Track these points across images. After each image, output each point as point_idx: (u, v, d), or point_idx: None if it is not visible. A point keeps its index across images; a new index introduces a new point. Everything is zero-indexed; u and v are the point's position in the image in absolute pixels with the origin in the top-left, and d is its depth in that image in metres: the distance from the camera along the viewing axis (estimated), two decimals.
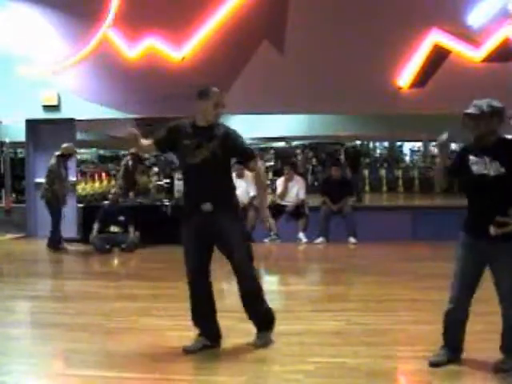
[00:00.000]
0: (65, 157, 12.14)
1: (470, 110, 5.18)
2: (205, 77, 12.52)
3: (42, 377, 5.19)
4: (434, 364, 5.19)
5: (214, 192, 5.67)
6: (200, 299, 5.73)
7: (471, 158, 5.18)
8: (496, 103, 5.20)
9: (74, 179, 13.83)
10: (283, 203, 12.98)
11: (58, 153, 12.11)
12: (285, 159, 23.12)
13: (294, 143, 25.23)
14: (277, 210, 12.80)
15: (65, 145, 12.19)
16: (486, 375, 4.98)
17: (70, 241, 12.63)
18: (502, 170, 5.04)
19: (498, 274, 5.07)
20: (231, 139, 5.71)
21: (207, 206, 5.62)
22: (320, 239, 12.53)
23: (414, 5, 12.30)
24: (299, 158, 24.66)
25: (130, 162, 15.46)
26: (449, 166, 5.36)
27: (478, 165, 5.14)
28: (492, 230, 4.95)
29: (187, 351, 5.59)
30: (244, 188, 12.02)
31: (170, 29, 12.77)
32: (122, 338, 6.10)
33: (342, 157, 21.81)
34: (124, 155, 15.97)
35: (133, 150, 15.79)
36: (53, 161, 12.09)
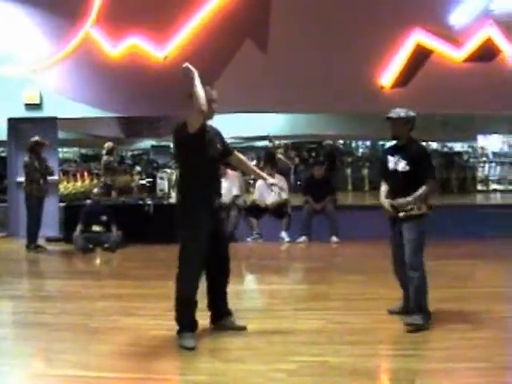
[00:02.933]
0: (36, 150, 12.01)
1: (390, 115, 6.39)
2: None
3: (24, 377, 5.17)
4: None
5: (219, 188, 6.12)
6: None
7: (388, 157, 6.50)
8: (412, 113, 6.40)
9: (57, 178, 13.75)
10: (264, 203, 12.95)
11: (28, 148, 12.04)
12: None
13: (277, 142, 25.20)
14: (258, 210, 12.81)
15: (33, 139, 12.09)
16: (467, 373, 5.03)
17: (52, 240, 12.58)
18: (407, 168, 6.26)
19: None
20: (222, 135, 6.16)
21: (217, 203, 5.97)
22: (302, 238, 12.55)
23: (396, 5, 12.36)
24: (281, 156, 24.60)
25: (111, 158, 15.44)
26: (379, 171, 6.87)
27: (391, 162, 6.42)
28: (401, 214, 6.32)
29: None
30: (226, 187, 11.99)
31: (152, 28, 12.75)
32: (105, 338, 6.09)
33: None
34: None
35: (108, 146, 15.79)
36: (26, 158, 12.04)
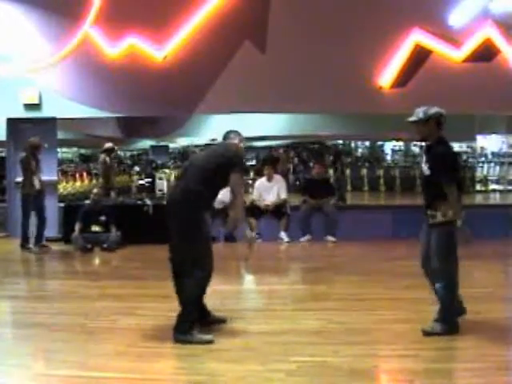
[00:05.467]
0: (33, 151, 12.03)
1: (411, 118, 6.14)
2: (186, 77, 12.57)
3: (23, 377, 5.16)
4: None
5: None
6: None
7: (423, 158, 6.24)
8: (432, 110, 6.05)
9: (55, 178, 13.74)
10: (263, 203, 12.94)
11: (25, 148, 12.07)
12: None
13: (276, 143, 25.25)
14: (257, 210, 12.79)
15: (31, 139, 12.12)
16: (465, 373, 5.03)
17: (51, 240, 12.57)
18: (428, 171, 6.06)
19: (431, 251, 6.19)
20: None
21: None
22: (306, 237, 12.56)
23: (395, 5, 12.34)
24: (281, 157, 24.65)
25: (107, 159, 15.46)
26: None
27: (422, 164, 6.21)
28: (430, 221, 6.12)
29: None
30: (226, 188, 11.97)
31: (151, 28, 12.72)
32: (103, 338, 6.09)
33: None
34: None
35: (107, 146, 15.81)
36: (22, 154, 12.05)
